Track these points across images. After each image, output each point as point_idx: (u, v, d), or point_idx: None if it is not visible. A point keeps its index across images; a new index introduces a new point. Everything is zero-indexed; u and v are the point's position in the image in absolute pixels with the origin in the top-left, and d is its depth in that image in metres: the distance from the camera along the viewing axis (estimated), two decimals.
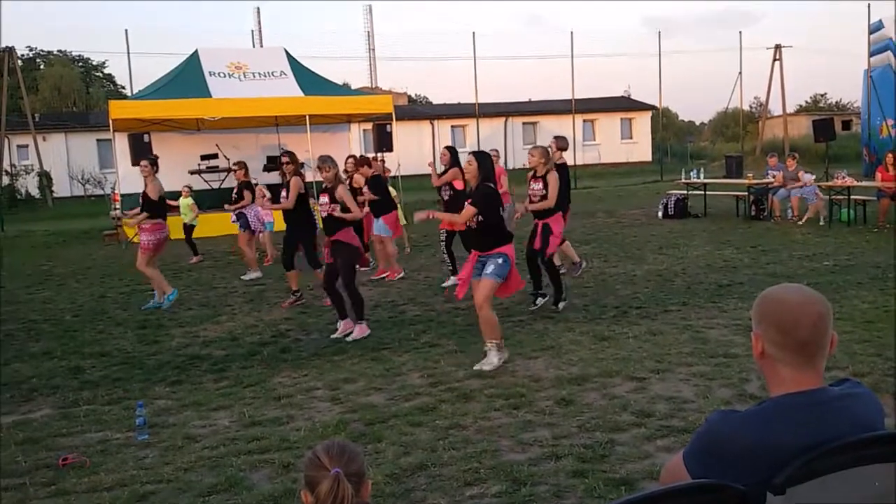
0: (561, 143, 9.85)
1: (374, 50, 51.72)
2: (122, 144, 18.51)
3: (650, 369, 6.02)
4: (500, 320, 7.50)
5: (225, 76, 19.15)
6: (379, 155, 18.29)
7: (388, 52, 64.92)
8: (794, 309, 1.83)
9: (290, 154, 9.50)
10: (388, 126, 19.45)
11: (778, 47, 36.16)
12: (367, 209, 10.80)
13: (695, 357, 6.30)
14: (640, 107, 42.63)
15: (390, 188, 11.80)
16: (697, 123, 67.15)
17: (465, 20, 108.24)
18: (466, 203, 6.45)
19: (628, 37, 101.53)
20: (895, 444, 1.74)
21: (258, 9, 34.55)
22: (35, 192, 31.08)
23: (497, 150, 12.30)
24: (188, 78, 18.81)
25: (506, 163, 27.97)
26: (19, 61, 32.50)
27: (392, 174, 15.93)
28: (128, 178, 19.09)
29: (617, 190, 26.49)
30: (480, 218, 6.36)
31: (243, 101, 18.19)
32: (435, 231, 12.79)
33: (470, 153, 6.61)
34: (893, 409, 4.80)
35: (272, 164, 20.93)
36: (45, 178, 30.33)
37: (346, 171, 11.25)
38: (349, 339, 7.57)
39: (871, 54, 26.52)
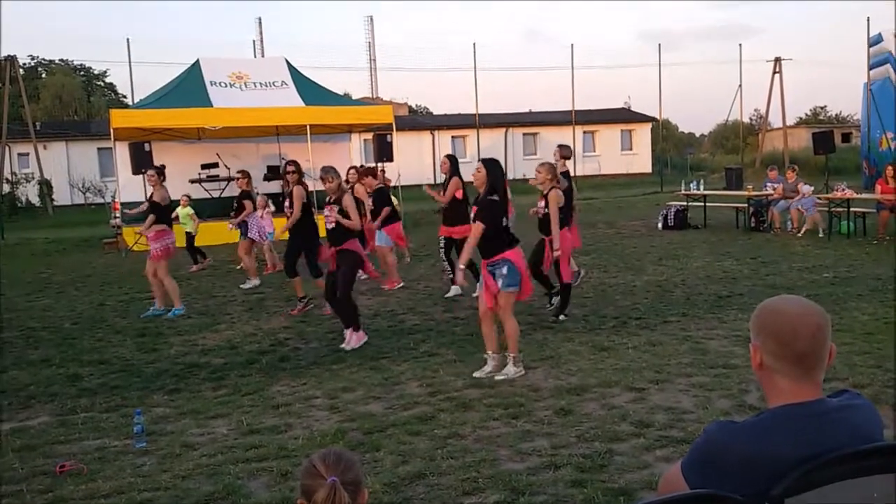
0: (565, 151, 9.92)
1: (374, 60, 51.85)
2: (122, 153, 18.54)
3: (649, 380, 6.01)
4: (500, 329, 7.51)
5: (226, 86, 19.20)
6: (379, 165, 18.33)
7: (389, 63, 65.13)
8: (793, 320, 1.83)
9: (295, 163, 9.52)
10: (389, 136, 19.48)
11: (778, 60, 36.28)
12: (376, 222, 10.84)
13: (694, 368, 6.30)
14: (641, 118, 42.72)
15: (392, 198, 11.81)
16: (697, 135, 67.32)
17: (466, 32, 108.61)
18: (473, 215, 6.45)
19: (628, 50, 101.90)
20: (894, 456, 1.74)
21: (259, 19, 34.88)
22: (35, 200, 31.11)
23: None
24: (189, 87, 18.86)
25: (505, 173, 27.93)
26: (21, 70, 32.61)
27: (392, 184, 15.94)
28: (128, 187, 19.13)
29: (617, 201, 26.51)
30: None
31: (244, 111, 18.22)
32: (435, 240, 12.81)
33: (480, 160, 6.61)
34: (893, 420, 4.79)
35: (273, 173, 20.97)
36: (45, 187, 30.35)
37: (347, 181, 11.26)
38: (347, 347, 7.57)
39: (870, 67, 26.60)
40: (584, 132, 39.00)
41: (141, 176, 17.27)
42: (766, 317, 1.88)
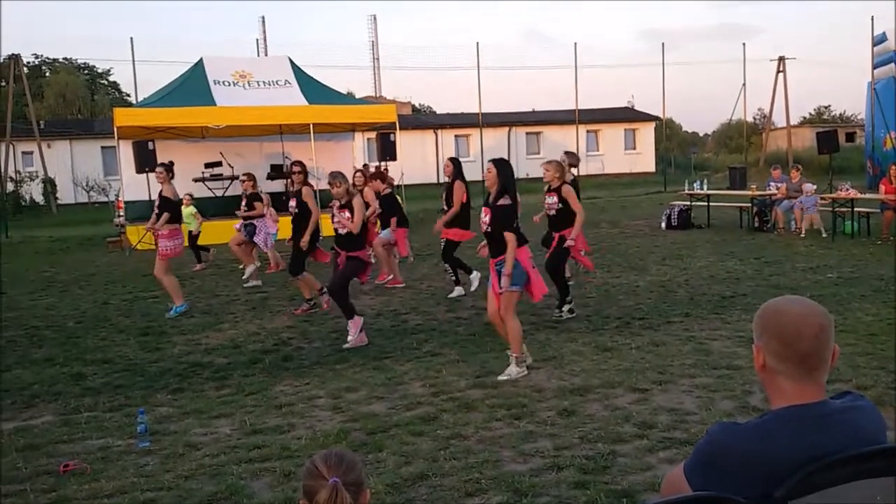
0: (572, 159, 9.90)
1: (378, 59, 51.73)
2: (126, 152, 18.56)
3: (652, 381, 6.00)
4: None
5: (229, 84, 19.21)
6: (382, 164, 18.35)
7: (392, 62, 65.04)
8: (796, 321, 1.83)
9: (301, 164, 9.53)
10: (392, 135, 19.49)
11: (781, 59, 36.21)
12: (389, 229, 10.88)
13: (697, 369, 6.29)
14: (644, 117, 42.69)
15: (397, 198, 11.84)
16: (701, 134, 67.20)
17: (470, 31, 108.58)
18: (489, 222, 6.42)
19: (631, 49, 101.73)
20: None
21: (263, 18, 34.71)
22: (39, 198, 31.18)
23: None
24: (193, 86, 18.87)
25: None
26: (25, 68, 32.66)
27: (396, 183, 15.96)
28: (132, 186, 19.16)
29: (620, 200, 26.49)
30: (489, 229, 6.39)
31: (247, 110, 18.23)
32: (437, 240, 12.81)
33: (489, 161, 6.62)
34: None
35: (276, 172, 20.98)
36: (49, 185, 30.41)
37: (354, 184, 11.26)
38: (347, 345, 7.58)
39: (874, 66, 26.54)
40: (588, 131, 39.01)
41: (144, 174, 17.34)
42: (769, 317, 1.88)
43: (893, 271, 10.32)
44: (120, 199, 20.29)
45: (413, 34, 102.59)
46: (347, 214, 7.76)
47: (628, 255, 13.37)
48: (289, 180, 9.94)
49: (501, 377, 6.26)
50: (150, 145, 17.28)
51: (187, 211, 14.55)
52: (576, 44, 30.03)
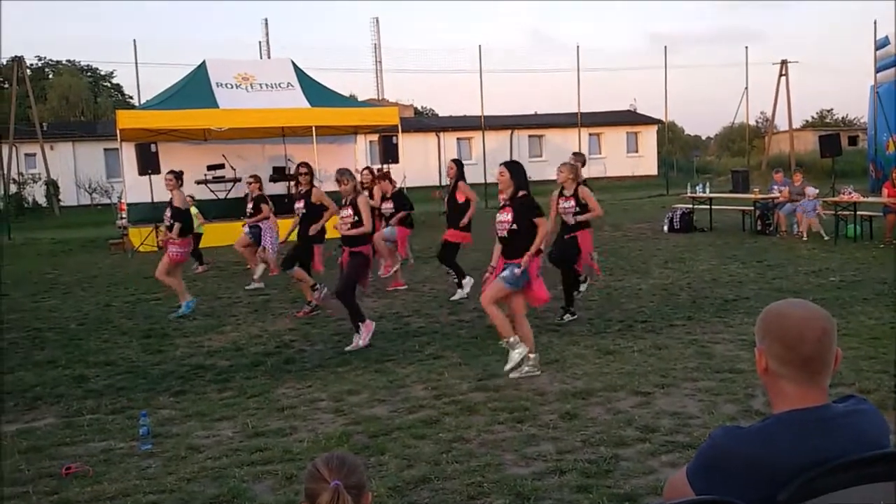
0: (580, 159, 9.92)
1: (380, 62, 51.82)
2: (129, 154, 18.59)
3: (655, 384, 6.00)
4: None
5: (232, 87, 19.24)
6: (384, 167, 18.35)
7: (394, 65, 65.14)
8: (799, 324, 1.82)
9: (307, 165, 9.57)
10: (395, 138, 19.50)
11: (784, 63, 36.21)
12: (393, 220, 10.87)
13: (700, 372, 6.28)
14: (646, 121, 42.67)
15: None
16: (703, 138, 67.17)
17: (472, 34, 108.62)
18: (512, 216, 6.39)
19: (634, 52, 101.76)
20: None
21: (266, 20, 34.82)
22: (42, 200, 31.23)
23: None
24: (195, 88, 18.90)
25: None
26: (28, 70, 32.70)
27: (398, 186, 15.96)
28: (134, 188, 19.19)
29: (622, 203, 26.47)
30: (514, 227, 6.37)
31: (250, 112, 18.27)
32: (438, 243, 12.80)
33: (501, 164, 6.63)
34: None
35: (279, 174, 21.01)
36: (52, 187, 30.47)
37: (362, 183, 11.27)
38: (350, 347, 7.58)
39: (877, 70, 26.51)
40: (590, 134, 38.99)
41: (147, 177, 17.38)
42: (772, 321, 1.87)
43: None
44: (122, 201, 20.31)
45: (415, 37, 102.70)
46: (350, 212, 7.77)
47: (630, 258, 13.36)
48: (295, 181, 9.93)
49: (507, 366, 6.32)
50: (153, 147, 17.31)
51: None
52: (578, 47, 30.05)
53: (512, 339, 6.37)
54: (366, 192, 11.08)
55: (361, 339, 7.65)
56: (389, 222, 11.07)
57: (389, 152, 19.26)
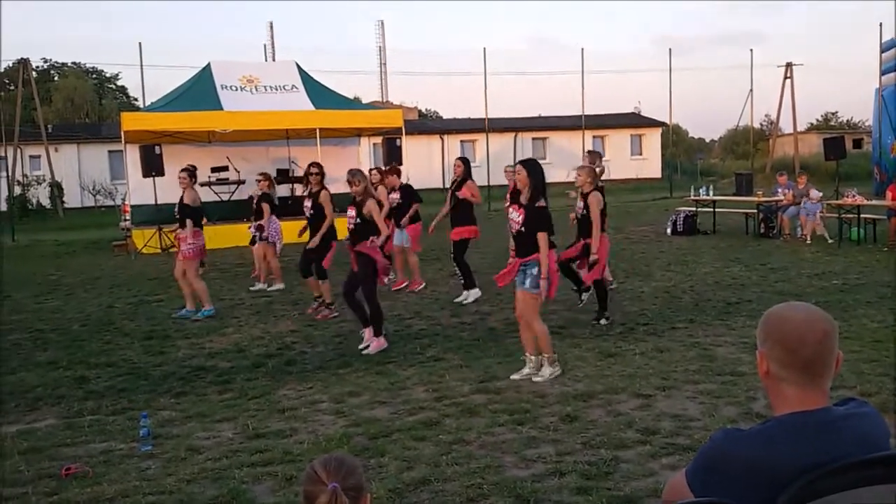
0: (595, 158, 9.93)
1: (385, 65, 51.98)
2: (133, 156, 18.62)
3: (656, 386, 5.98)
4: (505, 335, 7.50)
5: (237, 89, 19.25)
6: (382, 167, 18.33)
7: (399, 67, 65.23)
8: (800, 327, 1.81)
9: (318, 165, 9.52)
10: (398, 140, 19.49)
11: (789, 65, 36.12)
12: (404, 220, 10.84)
13: (701, 375, 6.27)
14: (650, 123, 42.65)
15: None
16: (707, 140, 67.07)
17: (477, 36, 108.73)
18: (522, 223, 6.39)
19: (638, 55, 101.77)
20: None
21: (271, 23, 35.08)
22: (46, 202, 31.27)
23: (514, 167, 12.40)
24: (200, 91, 18.92)
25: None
26: (34, 73, 32.80)
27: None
28: (138, 190, 19.21)
29: (626, 206, 26.44)
30: (522, 229, 6.38)
31: (255, 115, 18.28)
32: (442, 244, 12.80)
33: (518, 163, 6.63)
34: None
35: (282, 176, 21.01)
36: (56, 189, 30.51)
37: (371, 183, 11.22)
38: (364, 352, 7.56)
39: (882, 73, 26.47)
40: (594, 137, 38.95)
41: (151, 178, 17.40)
42: (773, 324, 1.86)
43: None
44: (126, 202, 20.33)
45: (420, 39, 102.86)
46: (353, 213, 7.76)
47: (633, 260, 13.34)
48: (305, 181, 9.88)
49: (536, 378, 6.30)
50: (157, 149, 17.34)
51: None
52: (583, 49, 30.05)
53: (552, 356, 6.41)
54: (381, 188, 11.04)
55: (368, 344, 7.61)
56: (400, 223, 10.93)
57: (393, 154, 19.24)
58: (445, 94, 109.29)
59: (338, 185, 10.73)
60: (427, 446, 4.93)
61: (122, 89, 55.98)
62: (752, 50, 43.99)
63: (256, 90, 19.46)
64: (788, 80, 36.13)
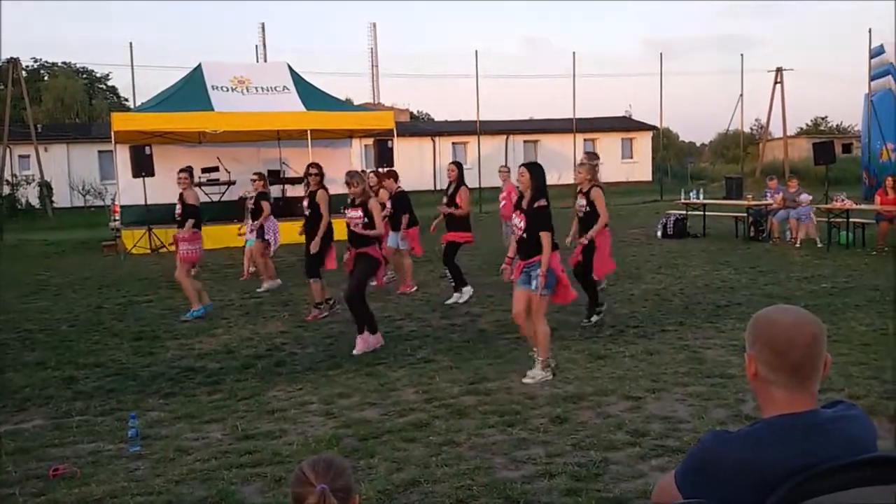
0: (592, 158, 9.95)
1: (377, 66, 51.91)
2: (123, 156, 18.55)
3: (646, 389, 5.99)
4: (495, 337, 7.50)
5: (228, 90, 19.21)
6: (380, 170, 18.33)
7: (390, 69, 65.24)
8: (788, 330, 1.82)
9: (318, 165, 9.49)
10: (390, 142, 19.48)
11: (779, 70, 36.34)
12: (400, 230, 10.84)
13: (691, 377, 6.28)
14: (641, 127, 42.76)
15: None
16: (698, 144, 67.36)
17: (469, 39, 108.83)
18: (524, 224, 6.43)
19: (629, 58, 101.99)
20: (888, 467, 1.72)
21: (263, 24, 34.77)
22: (35, 202, 31.13)
23: (508, 167, 12.49)
24: (191, 91, 18.87)
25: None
26: (23, 72, 32.64)
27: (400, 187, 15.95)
28: (128, 190, 19.14)
29: (616, 209, 26.43)
30: (524, 235, 6.41)
31: (245, 115, 18.25)
32: (434, 246, 12.80)
33: (522, 165, 6.69)
34: (892, 432, 4.77)
35: (273, 177, 20.96)
36: (45, 189, 30.36)
37: (370, 186, 11.20)
38: (355, 351, 7.54)
39: (871, 78, 26.65)
40: (585, 140, 39.00)
41: (141, 179, 17.33)
42: (762, 326, 1.87)
43: (888, 282, 10.33)
44: (116, 203, 20.27)
45: (412, 42, 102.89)
46: (360, 213, 7.73)
47: (624, 263, 13.35)
48: (305, 182, 9.84)
49: (525, 380, 6.30)
50: (148, 150, 17.28)
51: None
52: (574, 53, 30.07)
53: (545, 359, 6.41)
54: (382, 191, 11.05)
55: (365, 344, 7.60)
56: (394, 228, 10.95)
57: (384, 156, 19.23)
58: (437, 96, 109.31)
59: (330, 186, 10.68)
60: (417, 448, 4.93)
61: (113, 89, 55.82)
62: (742, 55, 44.27)
63: (247, 91, 19.43)
64: (778, 85, 36.36)
